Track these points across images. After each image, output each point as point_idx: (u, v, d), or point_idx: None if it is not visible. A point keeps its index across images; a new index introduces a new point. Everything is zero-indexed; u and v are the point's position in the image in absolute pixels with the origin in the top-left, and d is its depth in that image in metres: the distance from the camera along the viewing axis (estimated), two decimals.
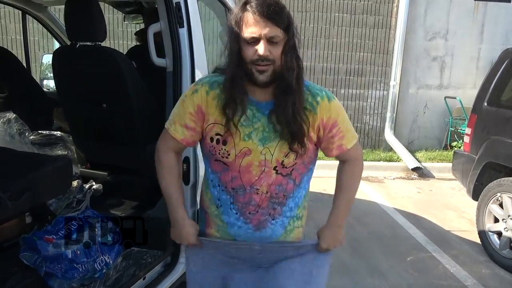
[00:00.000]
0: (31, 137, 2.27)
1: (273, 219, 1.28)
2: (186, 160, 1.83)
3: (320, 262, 1.32)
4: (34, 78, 2.81)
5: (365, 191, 4.81)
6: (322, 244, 1.30)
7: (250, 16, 1.10)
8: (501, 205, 3.06)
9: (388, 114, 6.52)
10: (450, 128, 6.33)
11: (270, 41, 1.10)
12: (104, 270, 1.60)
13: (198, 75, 1.84)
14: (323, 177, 5.30)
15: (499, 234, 3.05)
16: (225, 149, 1.21)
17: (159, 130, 1.95)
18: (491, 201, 3.12)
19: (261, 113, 1.20)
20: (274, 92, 1.19)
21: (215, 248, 1.29)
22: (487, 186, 3.17)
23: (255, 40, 1.10)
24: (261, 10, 1.08)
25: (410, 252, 3.18)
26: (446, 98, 6.39)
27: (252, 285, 1.26)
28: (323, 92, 1.24)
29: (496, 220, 3.11)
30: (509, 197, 2.95)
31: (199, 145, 1.78)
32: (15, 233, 1.64)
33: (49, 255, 1.44)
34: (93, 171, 2.23)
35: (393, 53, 6.34)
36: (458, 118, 6.24)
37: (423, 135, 6.72)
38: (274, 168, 1.21)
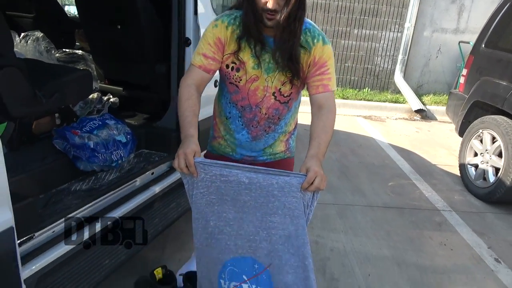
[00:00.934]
0: (57, 54, 2.59)
1: (267, 133, 1.60)
2: None
3: (299, 213, 1.26)
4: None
5: (365, 128, 5.08)
6: (314, 167, 1.23)
7: None
8: (481, 141, 3.31)
9: (400, 57, 6.56)
10: (461, 74, 6.35)
11: None
12: (120, 161, 1.99)
13: None
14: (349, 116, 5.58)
15: (476, 166, 3.34)
16: (237, 75, 1.48)
17: (166, 51, 2.25)
18: (474, 137, 3.37)
19: (270, 46, 1.43)
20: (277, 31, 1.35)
21: (207, 173, 1.27)
22: (472, 124, 3.40)
23: None
24: None
25: (393, 179, 3.52)
26: (460, 43, 6.34)
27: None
28: (320, 36, 1.41)
29: (476, 155, 3.38)
30: (489, 133, 3.19)
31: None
32: (48, 128, 2.02)
33: (75, 144, 1.82)
34: (110, 86, 2.57)
35: None
36: None
37: (433, 79, 6.78)
38: (273, 94, 1.48)
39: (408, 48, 6.49)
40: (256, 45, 1.41)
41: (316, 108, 1.44)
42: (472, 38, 6.38)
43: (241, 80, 1.46)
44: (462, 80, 3.70)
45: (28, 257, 1.42)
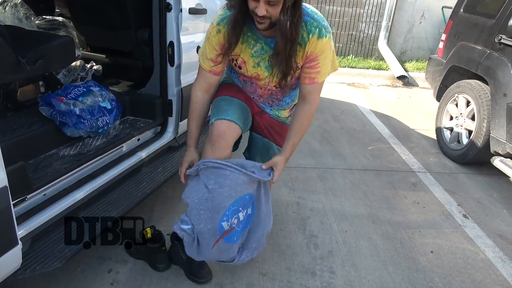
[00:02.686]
0: (37, 21, 2.55)
1: (271, 107, 1.72)
2: (171, 44, 2.16)
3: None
4: None
5: (347, 95, 5.17)
6: (278, 170, 1.57)
7: None
8: (457, 105, 3.44)
9: (384, 23, 6.57)
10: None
11: (268, 3, 1.27)
12: (106, 128, 2.04)
13: None
14: (333, 83, 5.54)
15: (451, 130, 3.49)
16: (240, 71, 1.58)
17: (147, 17, 2.25)
18: (450, 101, 3.49)
19: (268, 46, 1.48)
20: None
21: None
22: (448, 88, 3.52)
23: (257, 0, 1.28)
24: None
25: (373, 143, 3.65)
26: (444, 8, 6.36)
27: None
28: (317, 30, 1.40)
29: (451, 118, 3.52)
30: (464, 97, 3.31)
31: (184, 31, 2.11)
32: (33, 95, 2.05)
33: (61, 110, 1.86)
34: (93, 53, 2.57)
35: None
36: None
37: (416, 45, 6.84)
38: (274, 86, 1.59)
39: (392, 13, 6.50)
40: (255, 46, 1.48)
41: (300, 97, 1.58)
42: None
43: (243, 74, 1.59)
44: (441, 45, 3.78)
45: (22, 217, 1.50)
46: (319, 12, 1.48)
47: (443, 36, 3.75)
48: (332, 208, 2.56)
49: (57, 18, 2.57)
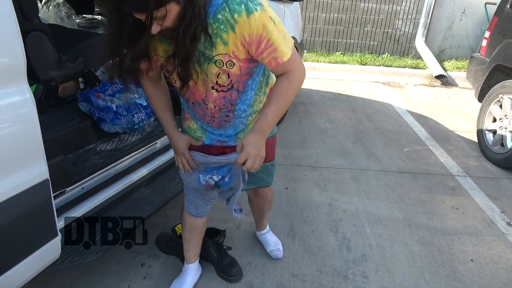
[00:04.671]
0: (77, 20, 2.64)
1: (230, 122, 1.40)
2: None
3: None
4: None
5: (382, 94, 5.02)
6: (247, 148, 1.27)
7: None
8: (501, 106, 3.26)
9: (422, 20, 6.34)
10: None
11: (157, 18, 1.04)
12: (141, 124, 2.08)
13: None
14: (342, 80, 5.54)
15: (494, 132, 3.30)
16: (171, 77, 1.28)
17: None
18: (493, 102, 3.31)
19: None
20: None
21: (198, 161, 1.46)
22: (492, 88, 3.34)
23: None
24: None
25: (409, 144, 3.52)
26: (487, 4, 6.06)
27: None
28: (242, 6, 1.10)
29: (494, 120, 3.34)
30: (509, 98, 3.13)
31: None
32: (73, 92, 2.12)
33: (99, 106, 1.91)
34: None
35: None
36: None
37: (456, 44, 6.55)
38: (212, 88, 1.27)
39: (431, 10, 6.26)
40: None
41: (278, 76, 1.29)
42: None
43: (176, 81, 1.28)
44: (484, 43, 3.59)
45: (62, 209, 1.55)
46: None
47: (487, 34, 3.56)
48: (365, 210, 2.49)
49: (96, 16, 2.65)
